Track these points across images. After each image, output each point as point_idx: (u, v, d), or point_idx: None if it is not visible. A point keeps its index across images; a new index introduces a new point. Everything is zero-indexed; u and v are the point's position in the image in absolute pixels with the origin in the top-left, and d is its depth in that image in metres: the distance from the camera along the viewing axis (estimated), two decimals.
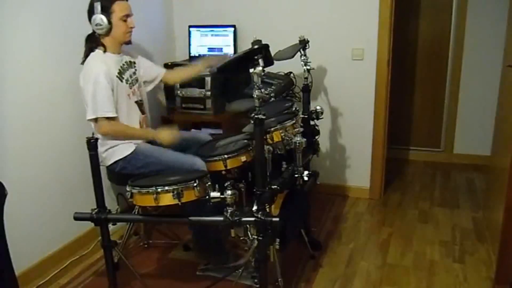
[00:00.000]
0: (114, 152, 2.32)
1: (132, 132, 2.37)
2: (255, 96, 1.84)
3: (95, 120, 2.23)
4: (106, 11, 2.23)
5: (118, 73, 2.32)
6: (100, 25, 2.24)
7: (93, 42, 2.31)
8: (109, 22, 2.25)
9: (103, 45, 2.31)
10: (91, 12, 2.25)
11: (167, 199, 1.87)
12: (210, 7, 3.44)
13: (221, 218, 1.84)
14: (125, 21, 2.29)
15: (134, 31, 2.38)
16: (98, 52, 2.31)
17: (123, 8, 2.28)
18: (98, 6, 2.22)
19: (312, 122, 2.68)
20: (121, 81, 2.33)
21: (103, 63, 2.26)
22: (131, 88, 2.40)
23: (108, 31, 2.27)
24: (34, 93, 2.35)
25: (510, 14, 2.93)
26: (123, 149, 2.32)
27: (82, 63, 2.31)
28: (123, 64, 2.38)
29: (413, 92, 4.19)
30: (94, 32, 2.29)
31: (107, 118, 2.22)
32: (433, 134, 4.18)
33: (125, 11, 2.29)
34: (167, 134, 2.29)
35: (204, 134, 2.74)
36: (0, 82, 2.17)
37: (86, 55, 2.31)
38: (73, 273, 2.53)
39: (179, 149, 2.41)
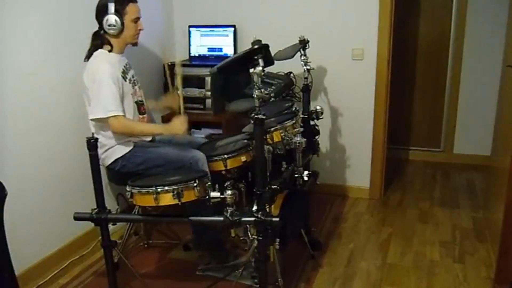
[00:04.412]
0: (113, 151, 2.32)
1: (142, 128, 2.38)
2: (255, 96, 1.84)
3: (103, 119, 2.22)
4: (119, 12, 2.24)
5: (122, 72, 2.32)
6: (114, 25, 2.24)
7: (99, 40, 2.31)
8: (122, 23, 2.26)
9: (110, 45, 2.31)
10: (102, 12, 2.25)
11: (167, 199, 1.87)
12: (210, 7, 3.44)
13: (221, 218, 1.84)
14: (135, 23, 2.31)
15: None
16: (103, 51, 2.30)
17: (135, 11, 2.30)
18: (112, 6, 2.22)
19: (312, 122, 2.68)
20: (125, 80, 2.33)
21: (108, 62, 2.26)
22: (133, 88, 2.40)
23: (119, 32, 2.28)
24: (34, 93, 2.35)
25: (510, 14, 2.94)
26: (122, 148, 2.32)
27: (86, 59, 2.31)
28: (126, 64, 2.39)
29: (413, 92, 4.19)
30: (99, 30, 2.30)
31: (116, 116, 2.21)
32: (433, 134, 4.18)
33: (136, 14, 2.31)
34: (178, 124, 2.24)
35: (200, 137, 2.75)
36: (1, 82, 2.17)
37: (91, 53, 2.31)
38: (73, 273, 2.53)
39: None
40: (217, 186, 1.90)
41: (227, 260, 2.46)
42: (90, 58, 2.30)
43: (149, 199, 1.88)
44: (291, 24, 3.22)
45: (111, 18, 2.24)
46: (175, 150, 2.32)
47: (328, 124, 3.35)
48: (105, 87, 2.19)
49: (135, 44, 2.40)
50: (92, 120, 2.27)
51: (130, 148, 2.33)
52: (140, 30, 2.36)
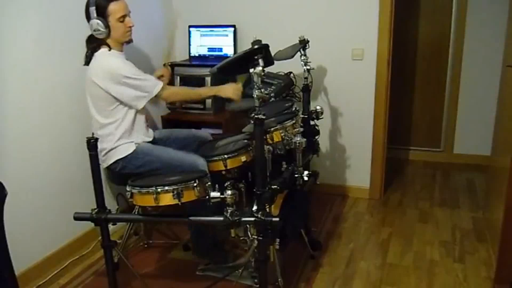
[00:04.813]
0: (115, 152, 2.32)
1: (194, 92, 2.44)
2: (255, 96, 1.84)
3: (156, 98, 2.31)
4: (102, 14, 2.20)
5: None
6: (98, 30, 2.21)
7: (95, 43, 2.29)
8: (107, 26, 2.22)
9: (107, 45, 2.30)
10: (87, 16, 2.23)
11: (167, 199, 1.87)
12: (210, 7, 3.44)
13: (221, 218, 1.84)
14: (122, 21, 2.27)
15: (134, 31, 2.36)
16: (104, 50, 2.29)
17: (118, 9, 2.24)
18: (93, 10, 2.19)
19: (312, 122, 2.68)
20: None
21: (115, 57, 2.27)
22: None
23: (108, 34, 2.25)
24: (34, 93, 2.35)
25: (510, 14, 2.94)
26: (124, 149, 2.32)
27: (86, 64, 2.30)
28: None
29: (413, 92, 4.19)
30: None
31: (160, 89, 2.28)
32: (433, 134, 4.18)
33: (121, 12, 2.25)
34: (231, 88, 2.34)
35: (204, 132, 2.75)
36: (1, 83, 2.17)
37: (89, 56, 2.29)
38: (73, 273, 2.53)
39: (179, 147, 2.41)
40: (217, 186, 1.90)
41: (226, 262, 2.46)
42: (92, 60, 2.27)
43: (149, 199, 1.88)
44: (291, 24, 3.22)
45: (94, 23, 2.21)
46: (176, 154, 2.31)
47: (328, 124, 3.35)
48: (134, 76, 2.23)
49: (129, 42, 2.37)
50: (150, 102, 2.33)
51: (132, 149, 2.32)
52: (130, 27, 2.32)
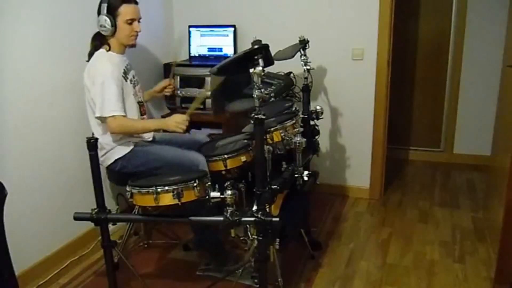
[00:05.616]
0: (113, 152, 2.32)
1: (139, 126, 2.34)
2: (255, 96, 1.84)
3: (104, 119, 2.23)
4: (112, 13, 2.23)
5: (123, 72, 2.33)
6: (104, 26, 2.24)
7: (98, 41, 2.31)
8: (113, 24, 2.24)
9: (108, 45, 2.31)
10: (98, 12, 2.25)
11: (167, 199, 1.87)
12: (210, 7, 3.44)
13: (221, 218, 1.84)
14: (130, 24, 2.29)
15: None
16: (102, 51, 2.30)
17: (129, 12, 2.27)
18: (104, 7, 2.22)
19: (312, 122, 2.68)
20: (126, 80, 2.33)
21: (109, 62, 2.26)
22: (134, 88, 2.40)
23: (113, 33, 2.27)
24: (34, 93, 2.35)
25: (510, 14, 2.94)
26: (122, 149, 2.32)
27: (88, 60, 2.32)
28: (127, 65, 2.39)
29: (413, 92, 4.19)
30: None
31: (114, 116, 2.21)
32: (433, 134, 4.18)
33: (131, 15, 2.27)
34: (174, 122, 2.25)
35: (202, 135, 2.75)
36: (1, 82, 2.17)
37: (92, 53, 2.31)
38: (73, 273, 2.53)
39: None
40: (217, 186, 1.90)
41: (227, 262, 2.46)
42: (91, 58, 2.30)
43: (149, 199, 1.88)
44: (291, 24, 3.22)
45: (102, 19, 2.23)
46: (175, 152, 2.32)
47: (328, 124, 3.35)
48: (106, 88, 2.19)
49: (132, 46, 2.38)
50: (96, 118, 2.26)
51: (130, 148, 2.33)
52: (136, 32, 2.33)
